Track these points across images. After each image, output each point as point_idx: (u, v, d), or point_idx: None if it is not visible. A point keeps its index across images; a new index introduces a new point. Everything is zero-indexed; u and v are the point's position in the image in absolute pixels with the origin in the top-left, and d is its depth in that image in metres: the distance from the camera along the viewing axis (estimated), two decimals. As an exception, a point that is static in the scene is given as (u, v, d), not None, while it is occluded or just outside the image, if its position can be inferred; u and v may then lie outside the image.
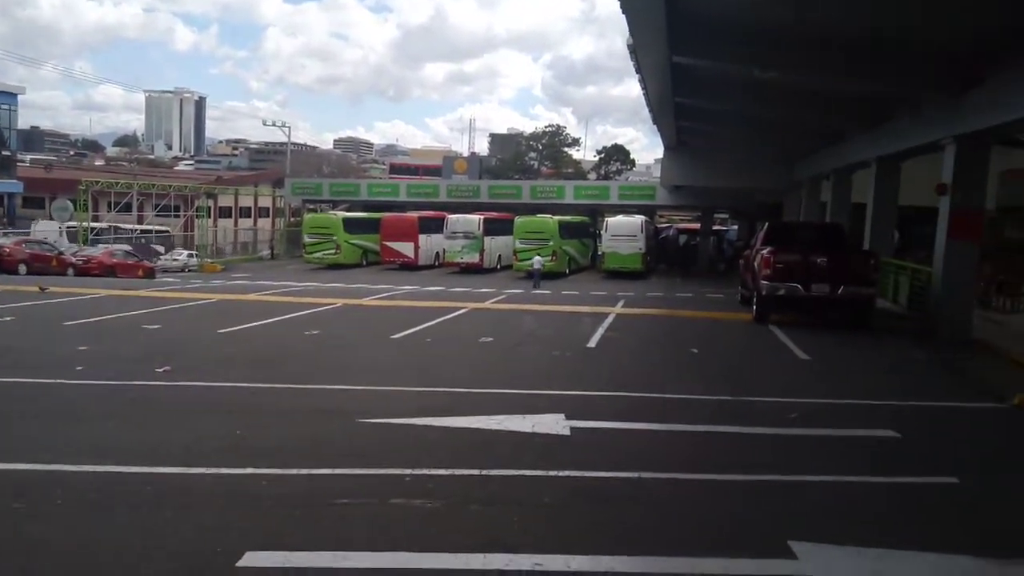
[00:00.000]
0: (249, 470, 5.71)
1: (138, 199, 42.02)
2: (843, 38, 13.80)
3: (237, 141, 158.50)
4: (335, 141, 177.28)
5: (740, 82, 17.41)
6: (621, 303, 19.42)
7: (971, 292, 15.00)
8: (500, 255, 32.43)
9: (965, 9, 11.69)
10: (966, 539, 4.77)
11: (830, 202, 24.18)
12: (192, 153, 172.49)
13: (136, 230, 40.83)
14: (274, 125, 50.64)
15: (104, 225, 40.04)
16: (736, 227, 51.39)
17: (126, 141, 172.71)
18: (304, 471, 5.71)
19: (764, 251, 15.20)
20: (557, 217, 30.95)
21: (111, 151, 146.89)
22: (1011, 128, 13.47)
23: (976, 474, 6.14)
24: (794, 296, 14.72)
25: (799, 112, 19.96)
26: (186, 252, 34.36)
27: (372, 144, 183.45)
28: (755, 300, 15.86)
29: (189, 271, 31.93)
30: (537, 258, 26.86)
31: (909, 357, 12.04)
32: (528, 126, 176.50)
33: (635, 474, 5.82)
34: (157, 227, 42.77)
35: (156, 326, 13.47)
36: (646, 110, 25.22)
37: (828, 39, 13.90)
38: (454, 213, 33.33)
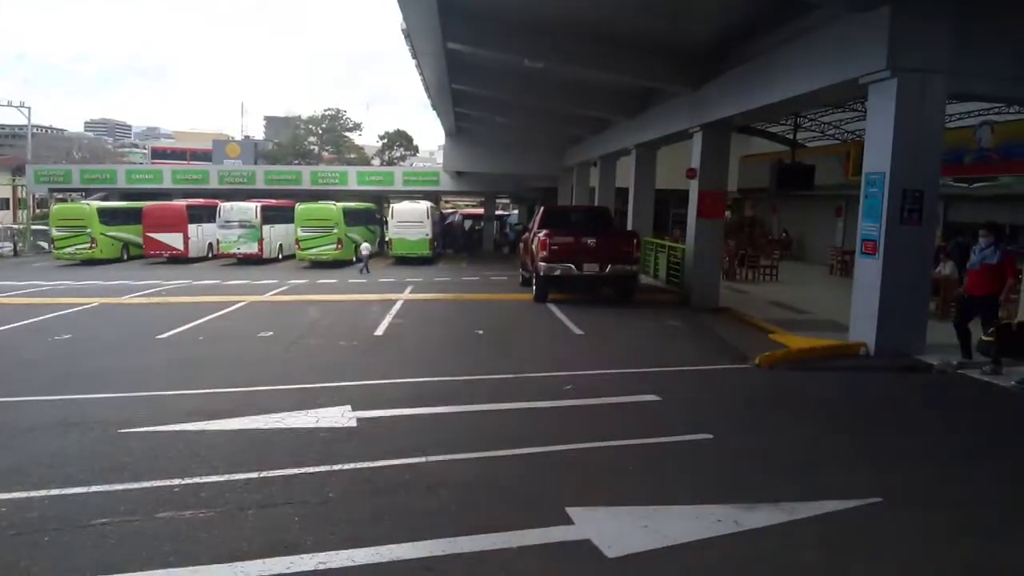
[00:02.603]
0: (-17, 498, 5.03)
1: None
2: (601, 34, 14.83)
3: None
4: (87, 124, 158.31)
5: (513, 71, 18.05)
6: (409, 289, 19.44)
7: (718, 265, 16.82)
8: (281, 244, 30.95)
9: (694, 16, 13.08)
10: (719, 489, 5.35)
11: (598, 186, 25.85)
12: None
13: None
14: (11, 105, 44.33)
15: None
16: (517, 211, 53.39)
17: None
18: (54, 492, 5.14)
19: (540, 234, 15.95)
20: (341, 204, 30.10)
21: None
22: (744, 117, 15.21)
23: (727, 430, 6.90)
24: (568, 275, 15.65)
25: (567, 101, 21.12)
26: None
27: (131, 126, 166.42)
28: (534, 280, 16.61)
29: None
30: (365, 244, 26.81)
31: (667, 326, 13.24)
32: (307, 109, 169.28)
33: (421, 459, 5.87)
34: None
35: None
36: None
37: (586, 33, 14.86)
38: (228, 200, 31.31)
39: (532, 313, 15.03)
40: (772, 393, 8.62)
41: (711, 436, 6.62)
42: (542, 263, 15.69)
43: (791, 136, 23.91)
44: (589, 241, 15.71)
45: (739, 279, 20.87)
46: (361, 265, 25.55)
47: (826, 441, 6.73)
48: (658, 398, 7.99)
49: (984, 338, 9.00)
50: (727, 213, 25.32)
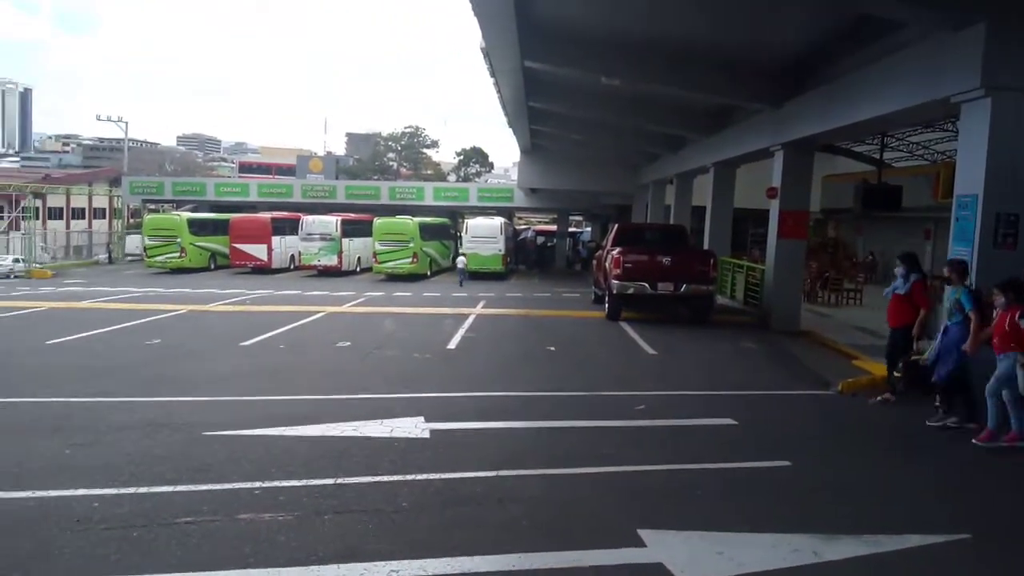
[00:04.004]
0: (80, 491, 5.31)
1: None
2: (680, 52, 14.70)
3: (68, 137, 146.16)
4: (179, 138, 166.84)
5: (589, 88, 18.05)
6: (482, 304, 19.59)
7: (799, 287, 16.34)
8: (359, 257, 31.73)
9: (776, 34, 12.84)
10: (798, 518, 5.17)
11: (673, 204, 25.52)
12: (17, 149, 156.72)
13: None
14: (110, 120, 47.06)
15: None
16: (590, 228, 53.27)
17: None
18: (142, 489, 5.37)
19: (614, 252, 15.85)
20: (417, 219, 30.68)
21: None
22: (828, 136, 14.77)
23: (806, 457, 6.67)
24: (642, 294, 15.47)
25: (644, 119, 20.99)
26: (11, 257, 31.06)
27: (220, 141, 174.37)
28: (607, 298, 16.50)
29: (15, 277, 28.94)
30: (461, 258, 28.41)
31: (745, 349, 12.93)
32: (387, 126, 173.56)
33: (493, 473, 5.89)
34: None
35: (-29, 339, 12.21)
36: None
37: (666, 52, 14.75)
38: (310, 214, 32.36)
39: (604, 331, 14.92)
40: (854, 421, 8.29)
41: (789, 463, 6.41)
42: (615, 281, 15.58)
43: (877, 156, 23.05)
44: (664, 260, 15.51)
45: (821, 302, 20.21)
46: (461, 278, 27.29)
47: (911, 472, 6.43)
48: (734, 422, 7.79)
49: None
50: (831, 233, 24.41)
